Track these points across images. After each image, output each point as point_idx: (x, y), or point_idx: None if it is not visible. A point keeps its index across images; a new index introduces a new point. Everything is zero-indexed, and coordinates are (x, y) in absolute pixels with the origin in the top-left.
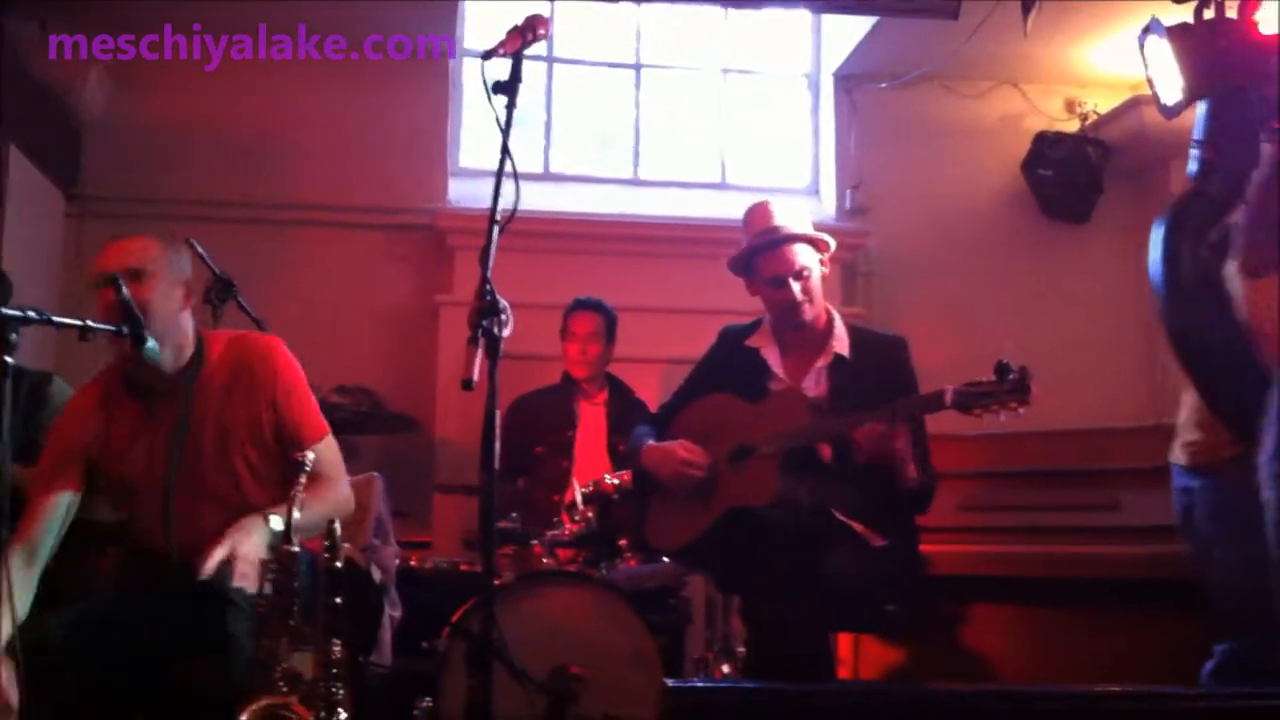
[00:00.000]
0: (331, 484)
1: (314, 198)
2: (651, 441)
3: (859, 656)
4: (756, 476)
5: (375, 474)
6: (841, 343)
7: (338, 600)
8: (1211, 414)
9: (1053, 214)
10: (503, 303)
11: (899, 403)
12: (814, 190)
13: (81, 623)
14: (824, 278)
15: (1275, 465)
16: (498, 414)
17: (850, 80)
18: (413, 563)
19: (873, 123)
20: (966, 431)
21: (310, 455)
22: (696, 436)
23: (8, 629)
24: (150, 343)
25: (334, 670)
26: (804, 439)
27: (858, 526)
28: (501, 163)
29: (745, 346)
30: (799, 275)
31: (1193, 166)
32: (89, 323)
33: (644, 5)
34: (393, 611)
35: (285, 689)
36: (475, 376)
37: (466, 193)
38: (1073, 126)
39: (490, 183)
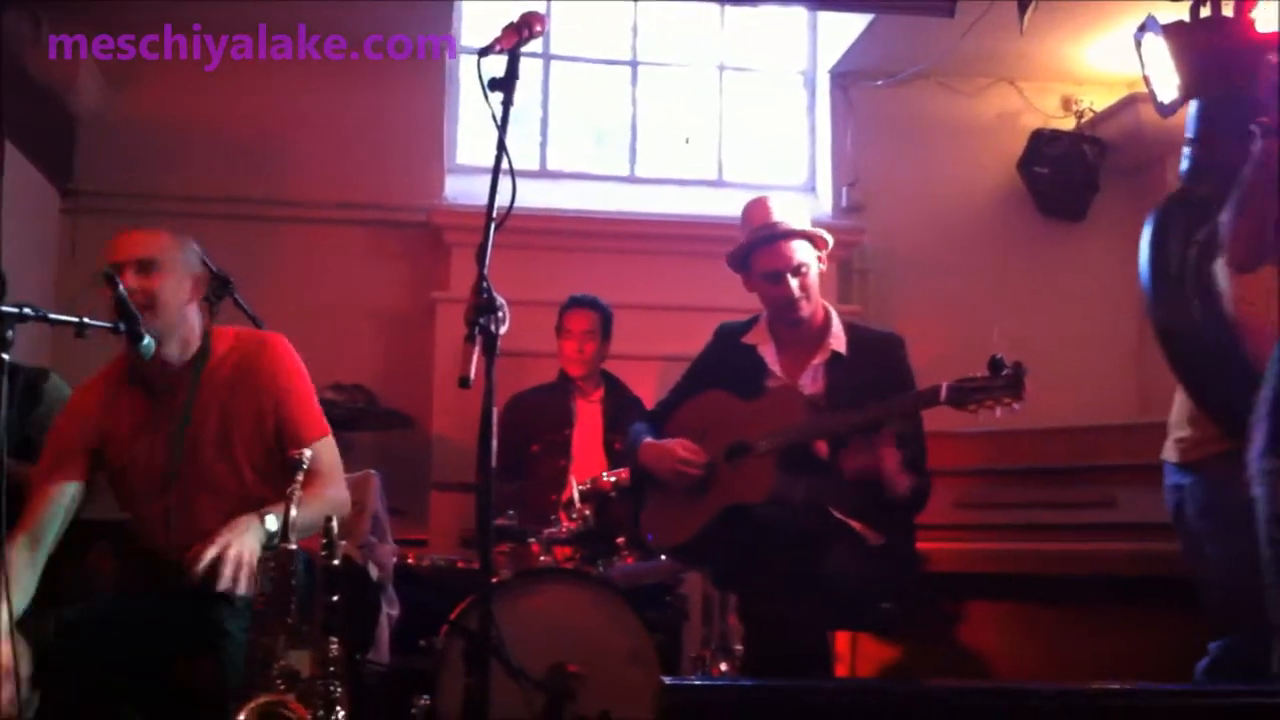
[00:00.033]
0: (329, 483)
1: (309, 195)
2: (649, 439)
3: (856, 654)
4: (753, 474)
5: (372, 471)
6: (838, 340)
7: (335, 598)
8: (1200, 411)
9: (1049, 212)
10: (499, 300)
11: (895, 399)
12: (810, 187)
13: (80, 622)
14: (821, 275)
15: (1264, 462)
16: (494, 411)
17: (846, 77)
18: (410, 560)
19: (869, 120)
20: (962, 429)
21: (308, 454)
22: (693, 434)
23: (8, 623)
24: (146, 340)
25: (331, 668)
26: (801, 436)
27: (855, 524)
28: (498, 160)
29: (742, 343)
30: (797, 271)
31: (1185, 165)
32: (85, 320)
33: (640, 2)
34: (390, 609)
35: (282, 687)
36: (472, 374)
37: (463, 190)
38: (1069, 124)
39: (487, 180)
